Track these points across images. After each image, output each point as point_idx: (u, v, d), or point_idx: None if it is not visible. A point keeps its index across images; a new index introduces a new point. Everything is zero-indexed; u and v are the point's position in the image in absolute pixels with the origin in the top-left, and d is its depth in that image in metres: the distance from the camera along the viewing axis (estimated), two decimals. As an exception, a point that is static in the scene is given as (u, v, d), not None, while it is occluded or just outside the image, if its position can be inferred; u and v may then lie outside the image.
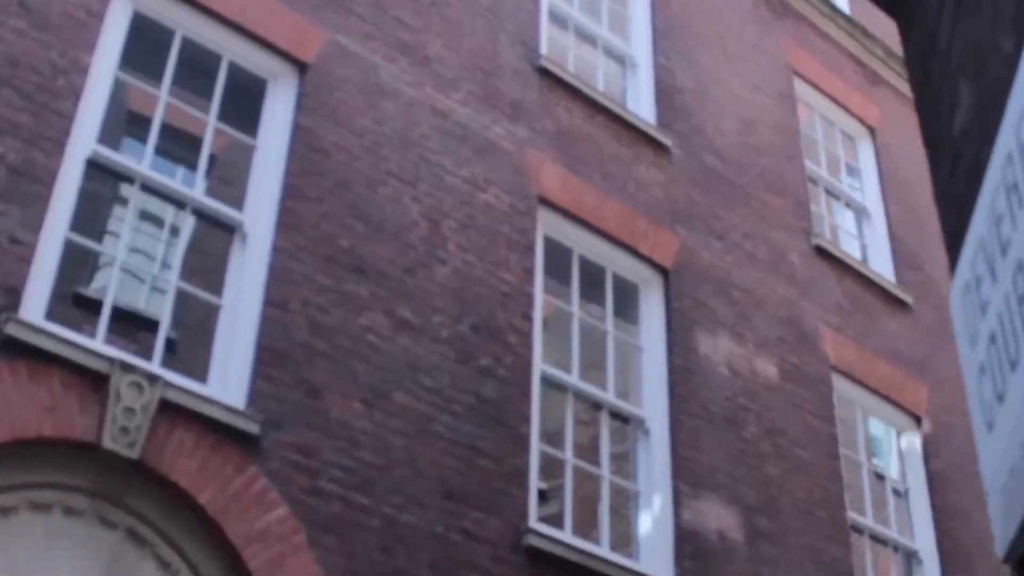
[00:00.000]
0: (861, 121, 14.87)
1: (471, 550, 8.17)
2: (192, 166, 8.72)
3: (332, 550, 7.55)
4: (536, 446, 9.07)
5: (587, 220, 10.42)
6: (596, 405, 9.96)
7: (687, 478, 9.83)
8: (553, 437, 9.49)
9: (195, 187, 8.52)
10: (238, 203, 8.55)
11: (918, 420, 12.61)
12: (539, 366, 9.41)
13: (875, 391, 12.30)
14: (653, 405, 10.14)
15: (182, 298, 8.24)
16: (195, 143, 8.72)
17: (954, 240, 3.57)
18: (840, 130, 14.77)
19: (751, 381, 10.90)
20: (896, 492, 12.30)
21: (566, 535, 8.96)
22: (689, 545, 9.54)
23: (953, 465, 12.64)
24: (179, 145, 9.23)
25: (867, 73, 15.38)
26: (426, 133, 9.59)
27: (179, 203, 8.52)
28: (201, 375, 7.80)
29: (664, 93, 11.99)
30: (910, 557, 11.81)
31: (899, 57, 15.92)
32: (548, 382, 9.55)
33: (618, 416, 10.05)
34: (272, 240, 8.35)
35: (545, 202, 10.18)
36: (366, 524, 7.78)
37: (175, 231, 9.09)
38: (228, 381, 7.74)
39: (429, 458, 8.25)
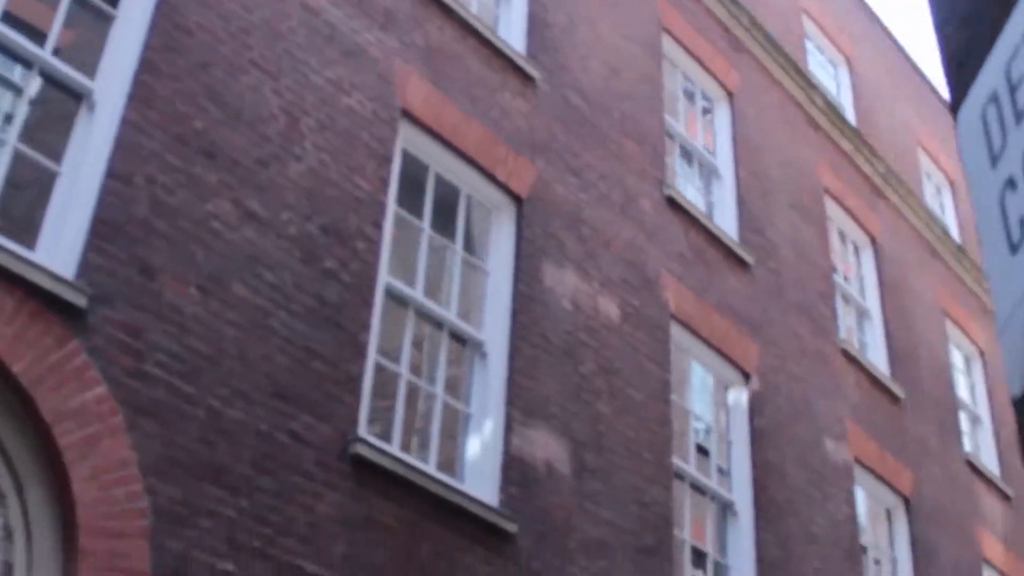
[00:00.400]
0: (721, 85, 14.62)
1: (296, 452, 7.64)
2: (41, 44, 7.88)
3: (151, 436, 6.95)
4: (373, 356, 8.56)
5: (448, 139, 9.91)
6: (437, 324, 9.47)
7: (520, 406, 9.42)
8: (390, 350, 8.98)
9: (46, 49, 7.76)
10: (90, 73, 7.83)
11: (747, 376, 12.41)
12: (384, 277, 8.89)
13: (709, 343, 12.06)
14: (493, 330, 9.70)
15: (18, 162, 7.49)
16: (44, 26, 7.92)
17: (964, 59, 3.17)
18: (700, 91, 14.49)
19: (592, 318, 10.53)
20: (718, 444, 12.09)
21: (394, 448, 8.48)
22: (516, 472, 9.14)
23: (776, 424, 12.50)
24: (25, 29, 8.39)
25: (732, 40, 15.13)
26: (294, 28, 8.97)
27: (26, 62, 7.75)
28: (30, 241, 7.09)
29: (536, 26, 11.52)
30: (726, 508, 11.61)
31: (763, 28, 15.73)
32: (391, 295, 9.03)
33: (457, 337, 9.59)
34: (122, 112, 7.66)
35: (408, 115, 9.64)
36: (189, 414, 7.19)
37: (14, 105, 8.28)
38: (58, 250, 7.05)
39: (262, 354, 7.69)
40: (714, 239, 12.81)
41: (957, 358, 18.48)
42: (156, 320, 7.21)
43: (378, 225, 8.87)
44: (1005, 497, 17.51)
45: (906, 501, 14.62)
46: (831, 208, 16.12)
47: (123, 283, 7.14)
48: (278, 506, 7.43)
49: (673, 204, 12.34)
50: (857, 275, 16.51)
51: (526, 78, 11.01)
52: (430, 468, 8.66)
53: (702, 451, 11.98)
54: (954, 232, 20.22)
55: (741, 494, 11.74)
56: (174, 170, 7.68)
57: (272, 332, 7.79)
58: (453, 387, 9.46)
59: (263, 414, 7.54)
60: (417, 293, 9.23)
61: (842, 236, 16.50)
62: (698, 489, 11.41)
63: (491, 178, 10.19)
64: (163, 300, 7.30)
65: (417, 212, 9.60)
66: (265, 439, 7.50)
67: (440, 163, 9.92)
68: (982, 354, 19.08)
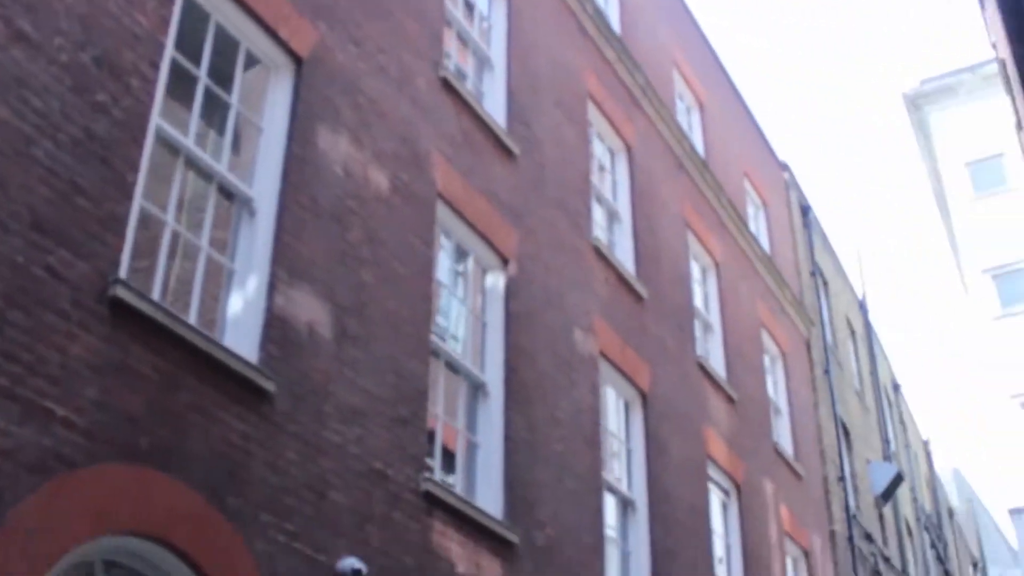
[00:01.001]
0: (501, -21, 14.29)
1: (52, 289, 7.03)
2: None
3: None
4: (139, 200, 7.95)
5: (230, -12, 9.28)
6: (207, 176, 8.90)
7: (286, 266, 8.99)
8: (157, 196, 8.38)
9: None
10: None
11: (505, 262, 12.26)
12: (156, 120, 8.26)
13: (472, 225, 11.84)
14: (263, 188, 9.22)
15: None
16: None
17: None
18: (479, -19, 14.15)
19: (362, 187, 10.15)
20: (473, 325, 11.91)
21: (155, 295, 7.95)
22: (277, 331, 8.74)
23: (529, 310, 12.42)
24: None
25: (512, -64, 14.79)
26: None
27: None
28: None
29: None
30: (478, 388, 11.47)
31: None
32: (162, 139, 8.41)
33: (226, 192, 9.05)
34: None
35: (190, -42, 8.97)
36: (-61, 238, 6.51)
37: None
38: None
39: (22, 182, 7.00)
40: (483, 126, 12.56)
41: (695, 268, 18.84)
42: (-92, 134, 6.48)
43: (155, 65, 8.23)
44: (730, 400, 18.03)
45: (643, 396, 14.83)
46: (592, 112, 16.09)
47: None
48: (29, 343, 6.83)
49: (447, 86, 12.01)
50: (611, 179, 16.55)
51: (313, -61, 10.44)
52: (191, 319, 8.17)
53: (458, 331, 11.79)
54: (700, 151, 20.55)
55: (493, 375, 11.62)
56: (-63, -23, 6.91)
57: (35, 161, 7.12)
58: (218, 241, 8.95)
59: (19, 245, 6.90)
60: (189, 142, 8.64)
61: (600, 140, 16.50)
62: (452, 367, 11.22)
63: (273, 35, 9.62)
64: (-83, 114, 6.57)
65: (195, 59, 8.98)
66: (20, 272, 6.87)
67: (222, 13, 9.28)
68: (717, 266, 19.53)
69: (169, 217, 8.39)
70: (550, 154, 14.08)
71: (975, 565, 48.56)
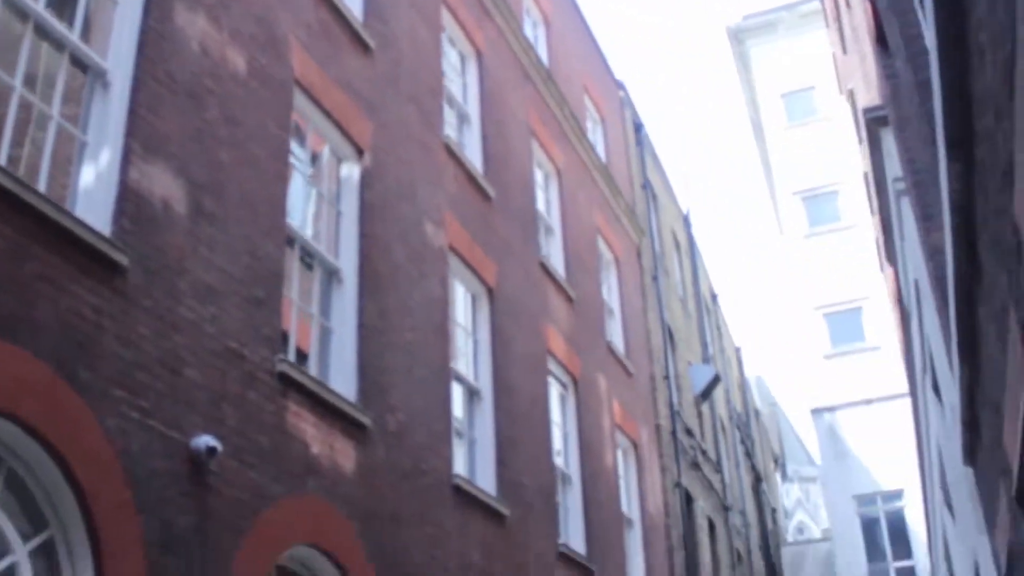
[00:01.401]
0: None
1: None
2: None
3: None
4: (-15, 62, 7.14)
5: None
6: (58, 44, 8.06)
7: (141, 140, 8.25)
8: (5, 63, 7.54)
9: None
10: None
11: (360, 152, 11.64)
12: (4, -19, 7.41)
13: (329, 114, 11.17)
14: (119, 61, 8.42)
15: None
16: None
17: None
18: None
19: (220, 66, 9.41)
20: (329, 212, 11.29)
21: (1, 161, 7.17)
22: (131, 205, 8.01)
23: (383, 201, 11.87)
24: None
25: None
26: None
27: None
28: None
29: None
30: (332, 274, 10.88)
31: None
32: (10, 2, 7.56)
33: (79, 63, 8.23)
34: None
35: None
36: None
37: None
38: None
39: None
40: (341, 17, 11.85)
41: (538, 174, 18.44)
42: None
43: (1, -79, 7.37)
44: (569, 299, 17.76)
45: (490, 291, 14.42)
46: (445, 17, 15.47)
47: None
48: None
49: (305, -26, 11.27)
50: (462, 82, 15.99)
51: None
52: (40, 188, 7.41)
53: (312, 217, 11.16)
54: (545, 64, 20.07)
55: (347, 263, 11.05)
56: None
57: None
58: (71, 116, 8.14)
59: None
60: (39, 7, 7.79)
61: (452, 44, 15.90)
62: (307, 253, 10.61)
63: (128, -95, 8.78)
64: None
65: (44, -78, 8.10)
66: None
67: None
68: (559, 173, 19.16)
69: (17, 83, 7.57)
70: (405, 52, 13.45)
71: (776, 461, 49.94)
